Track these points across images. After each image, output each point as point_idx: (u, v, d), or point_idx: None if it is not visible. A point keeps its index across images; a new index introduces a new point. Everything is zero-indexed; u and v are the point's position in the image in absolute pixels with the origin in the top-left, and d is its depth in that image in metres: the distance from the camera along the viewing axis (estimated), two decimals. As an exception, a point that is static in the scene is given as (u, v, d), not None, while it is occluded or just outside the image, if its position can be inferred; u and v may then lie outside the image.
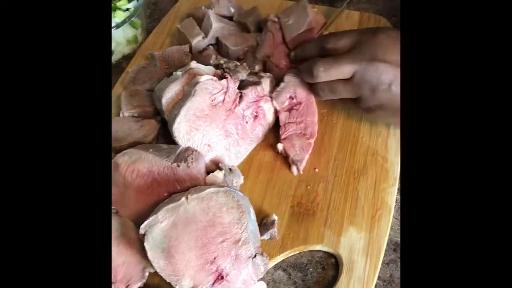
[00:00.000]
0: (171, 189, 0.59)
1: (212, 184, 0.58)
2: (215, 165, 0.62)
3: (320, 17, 0.76)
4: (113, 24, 0.75)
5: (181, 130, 0.59)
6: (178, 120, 0.59)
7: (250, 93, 0.64)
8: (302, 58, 0.66)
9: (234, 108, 0.63)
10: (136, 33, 0.79)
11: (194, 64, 0.62)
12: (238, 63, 0.64)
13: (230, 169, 0.61)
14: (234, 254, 0.52)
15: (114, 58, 0.77)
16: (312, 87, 0.64)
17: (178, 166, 0.58)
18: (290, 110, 0.66)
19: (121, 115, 0.67)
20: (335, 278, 0.56)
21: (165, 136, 0.65)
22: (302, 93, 0.66)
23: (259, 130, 0.66)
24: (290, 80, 0.66)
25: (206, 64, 0.64)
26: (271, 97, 0.66)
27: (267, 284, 0.56)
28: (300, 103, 0.66)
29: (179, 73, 0.62)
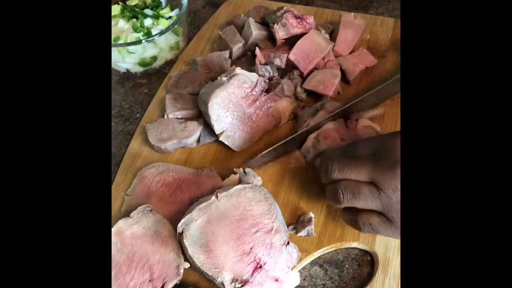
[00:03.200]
0: (193, 195, 0.63)
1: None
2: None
3: (360, 21, 0.78)
4: (156, 31, 0.79)
5: (215, 108, 0.65)
6: (214, 100, 0.64)
7: (272, 92, 0.70)
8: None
9: (256, 101, 0.68)
10: (178, 39, 0.82)
11: (239, 70, 0.66)
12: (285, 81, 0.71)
13: (245, 172, 0.64)
14: (269, 242, 0.55)
15: (158, 63, 0.81)
16: (327, 189, 0.56)
17: (203, 170, 0.65)
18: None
19: (165, 116, 0.71)
20: (371, 274, 0.58)
21: (207, 136, 0.69)
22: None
23: (271, 120, 0.71)
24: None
25: (244, 69, 0.68)
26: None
27: (304, 279, 0.58)
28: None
29: (224, 78, 0.65)
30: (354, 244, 0.60)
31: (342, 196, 0.53)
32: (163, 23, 0.82)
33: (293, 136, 0.67)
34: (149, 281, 0.55)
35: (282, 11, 0.75)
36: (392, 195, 0.50)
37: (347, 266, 0.59)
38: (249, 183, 0.59)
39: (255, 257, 0.54)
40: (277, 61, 0.74)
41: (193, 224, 0.56)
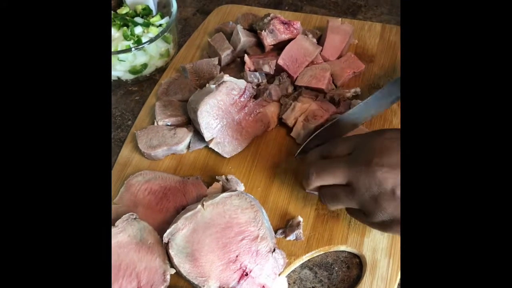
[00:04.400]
0: (179, 204, 0.63)
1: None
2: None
3: (348, 26, 0.80)
4: (147, 39, 0.80)
5: (204, 116, 0.66)
6: (203, 108, 0.65)
7: (260, 97, 0.71)
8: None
9: (245, 107, 0.69)
10: (169, 47, 0.83)
11: (227, 77, 0.67)
12: (273, 87, 0.72)
13: (227, 179, 0.64)
14: (255, 250, 0.56)
15: (148, 70, 0.82)
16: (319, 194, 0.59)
17: (188, 178, 0.65)
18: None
19: (155, 123, 0.72)
20: (359, 276, 0.59)
21: (197, 142, 0.70)
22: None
23: (259, 125, 0.71)
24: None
25: (233, 76, 0.69)
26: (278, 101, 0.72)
27: (294, 282, 0.59)
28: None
29: (212, 86, 0.66)
30: (343, 247, 0.61)
31: (325, 202, 0.57)
32: (153, 31, 0.83)
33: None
34: None
35: (269, 18, 0.76)
36: (365, 193, 0.51)
37: (336, 268, 0.60)
38: (234, 190, 0.60)
39: (241, 264, 0.55)
40: (266, 68, 0.75)
41: (179, 233, 0.56)
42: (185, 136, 0.69)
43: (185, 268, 0.55)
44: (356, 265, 0.60)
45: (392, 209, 0.50)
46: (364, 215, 0.54)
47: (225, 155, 0.69)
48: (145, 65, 0.81)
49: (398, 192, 0.49)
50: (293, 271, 0.60)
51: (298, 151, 0.65)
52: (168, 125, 0.72)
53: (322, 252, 0.61)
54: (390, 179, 0.49)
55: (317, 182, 0.55)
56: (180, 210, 0.61)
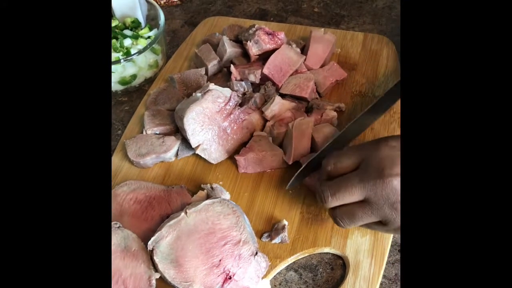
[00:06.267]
0: (164, 212, 0.65)
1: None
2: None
3: (330, 36, 0.82)
4: (135, 51, 0.82)
5: (190, 123, 0.68)
6: (189, 115, 0.67)
7: (246, 105, 0.73)
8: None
9: (230, 114, 0.71)
10: (157, 58, 0.86)
11: (212, 86, 0.69)
12: (258, 95, 0.74)
13: (212, 188, 0.66)
14: (237, 254, 0.57)
15: (137, 81, 0.84)
16: (330, 215, 0.59)
17: (173, 187, 0.67)
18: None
19: (144, 132, 0.74)
20: (343, 277, 0.61)
21: (185, 150, 0.72)
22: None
23: (245, 132, 0.73)
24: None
25: (220, 85, 0.71)
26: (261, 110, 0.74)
27: (280, 284, 0.61)
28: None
29: (198, 94, 0.68)
30: (326, 249, 0.63)
31: (343, 224, 0.56)
32: (142, 43, 0.85)
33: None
34: None
35: (254, 29, 0.79)
36: (384, 205, 0.52)
37: (320, 270, 0.62)
38: (218, 198, 0.62)
39: (224, 268, 0.57)
40: (252, 77, 0.77)
41: (163, 241, 0.58)
42: (173, 144, 0.71)
43: (170, 274, 0.56)
44: (339, 266, 0.62)
45: None
46: (382, 224, 0.55)
47: (211, 161, 0.71)
48: (134, 76, 0.83)
49: None
50: (279, 273, 0.62)
51: (290, 183, 0.65)
52: (156, 133, 0.74)
53: (306, 254, 0.63)
54: None
55: (334, 203, 0.55)
56: (165, 218, 0.62)
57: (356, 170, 0.55)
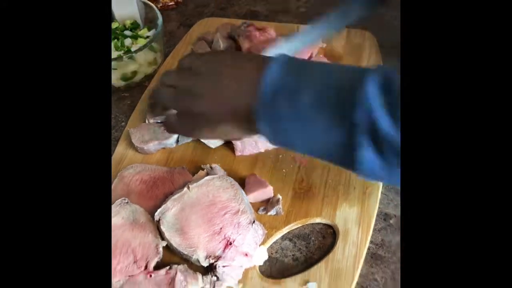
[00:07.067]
0: (167, 191, 0.70)
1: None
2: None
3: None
4: (136, 49, 0.88)
5: None
6: None
7: None
8: None
9: None
10: (156, 56, 0.92)
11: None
12: None
13: (211, 167, 0.72)
14: (236, 222, 0.63)
15: (138, 77, 0.90)
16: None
17: (175, 168, 0.73)
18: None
19: (146, 122, 0.79)
20: (334, 244, 0.66)
21: (185, 136, 0.78)
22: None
23: None
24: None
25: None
26: None
27: (276, 252, 0.66)
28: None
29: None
30: (318, 220, 0.68)
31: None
32: (141, 42, 0.91)
33: None
34: (134, 262, 0.61)
35: (245, 25, 0.85)
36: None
37: (313, 238, 0.68)
38: (217, 174, 0.67)
39: (225, 235, 0.62)
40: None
41: (169, 212, 0.63)
42: (174, 131, 0.77)
43: (175, 241, 0.62)
44: (330, 234, 0.68)
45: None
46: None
47: (211, 146, 0.77)
48: (135, 73, 0.89)
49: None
50: (275, 242, 0.67)
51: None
52: (158, 122, 0.80)
53: (300, 225, 0.68)
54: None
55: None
56: (169, 196, 0.68)
57: None
